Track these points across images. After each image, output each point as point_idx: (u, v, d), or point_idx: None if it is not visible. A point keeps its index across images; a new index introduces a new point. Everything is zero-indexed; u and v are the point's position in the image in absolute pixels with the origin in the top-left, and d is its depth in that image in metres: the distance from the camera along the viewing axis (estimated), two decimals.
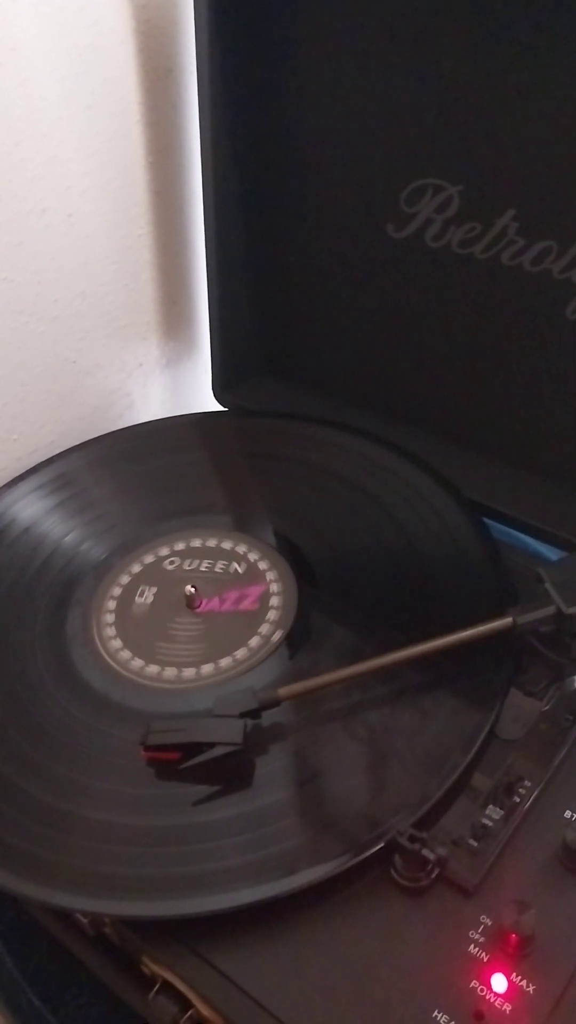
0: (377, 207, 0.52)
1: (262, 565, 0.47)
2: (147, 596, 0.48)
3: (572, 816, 0.36)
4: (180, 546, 0.50)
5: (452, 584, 0.47)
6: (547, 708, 0.40)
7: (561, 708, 0.40)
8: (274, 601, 0.45)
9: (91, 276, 0.57)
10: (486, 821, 0.36)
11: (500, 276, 0.49)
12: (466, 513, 0.50)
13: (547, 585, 0.42)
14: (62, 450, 0.58)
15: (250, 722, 0.39)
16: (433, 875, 0.34)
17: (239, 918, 0.33)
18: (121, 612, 0.47)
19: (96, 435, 0.59)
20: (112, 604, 0.47)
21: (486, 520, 0.51)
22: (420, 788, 0.37)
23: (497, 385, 0.53)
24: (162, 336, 0.65)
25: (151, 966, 0.34)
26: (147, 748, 0.38)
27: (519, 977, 0.31)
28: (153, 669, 0.44)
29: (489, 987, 0.31)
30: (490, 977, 0.31)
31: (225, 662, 0.43)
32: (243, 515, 0.53)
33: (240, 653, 0.44)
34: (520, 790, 0.37)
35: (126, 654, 0.44)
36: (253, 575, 0.47)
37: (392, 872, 0.34)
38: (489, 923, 0.33)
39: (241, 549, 0.49)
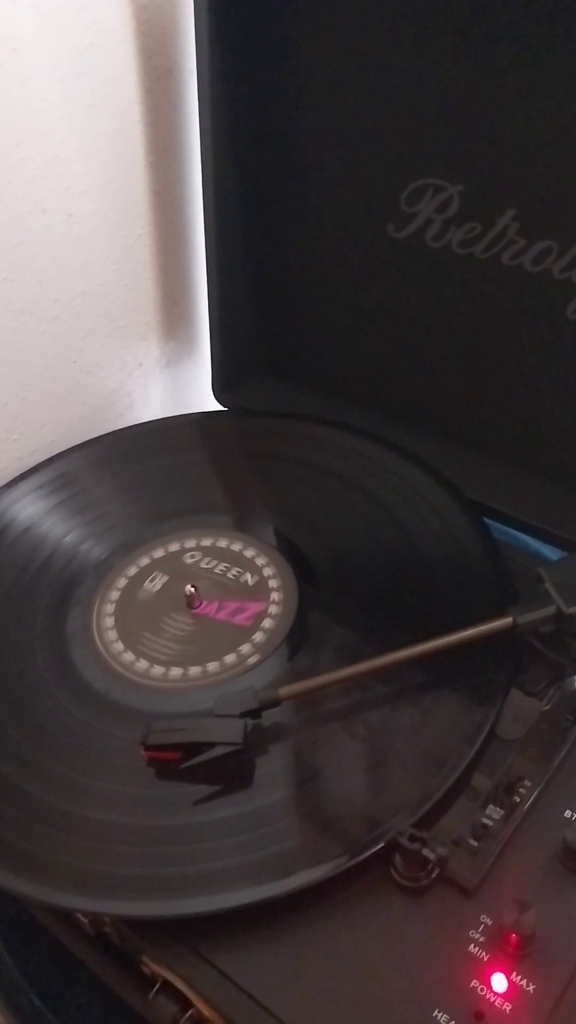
0: (377, 207, 0.52)
1: (272, 583, 0.47)
2: (157, 583, 0.48)
3: (572, 816, 0.36)
4: (207, 542, 0.50)
5: (452, 584, 0.47)
6: (547, 708, 0.40)
7: (561, 708, 0.40)
8: (267, 623, 0.45)
9: (91, 276, 0.57)
10: (486, 821, 0.36)
11: (500, 276, 0.49)
12: (466, 513, 0.50)
13: (547, 585, 0.42)
14: (62, 450, 0.58)
15: (250, 722, 0.38)
16: (433, 875, 0.34)
17: (239, 918, 0.33)
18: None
19: (96, 435, 0.59)
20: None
21: (486, 520, 0.51)
22: (420, 788, 0.36)
23: (497, 385, 0.53)
24: (162, 336, 0.65)
25: (151, 966, 0.34)
26: (147, 748, 0.38)
27: (519, 977, 0.31)
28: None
29: (489, 987, 0.31)
30: (490, 977, 0.31)
31: (212, 666, 0.43)
32: (243, 515, 0.53)
33: (229, 659, 0.44)
34: (520, 790, 0.37)
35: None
36: (259, 590, 0.47)
37: (392, 872, 0.34)
38: (489, 923, 0.33)
39: (260, 561, 0.48)
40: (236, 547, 0.50)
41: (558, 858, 0.35)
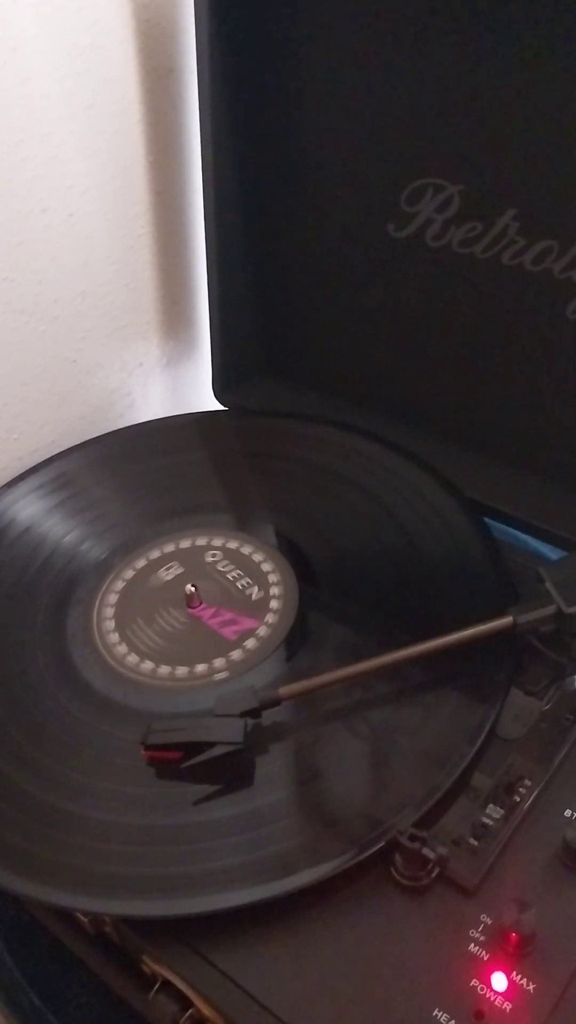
0: (377, 207, 0.52)
1: (274, 604, 0.46)
2: (171, 573, 0.48)
3: (572, 815, 0.36)
4: (233, 545, 0.50)
5: (452, 583, 0.47)
6: (547, 707, 0.40)
7: (561, 707, 0.40)
8: (250, 643, 0.44)
9: (92, 276, 0.57)
10: (486, 820, 0.36)
11: (501, 276, 0.49)
12: (467, 513, 0.50)
13: (547, 584, 0.42)
14: (62, 450, 0.58)
15: (251, 721, 0.39)
16: (433, 874, 0.34)
17: (239, 917, 0.33)
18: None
19: (97, 435, 0.59)
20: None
21: (487, 520, 0.51)
22: (420, 787, 0.36)
23: (497, 385, 0.53)
24: (163, 336, 0.65)
25: (151, 965, 0.34)
26: (147, 748, 0.38)
27: (519, 976, 0.31)
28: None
29: (489, 986, 0.31)
30: (490, 976, 0.31)
31: (181, 671, 0.43)
32: (243, 515, 0.53)
33: (200, 668, 0.43)
34: (520, 789, 0.37)
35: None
36: (258, 608, 0.46)
37: (392, 871, 0.34)
38: (489, 922, 0.33)
39: (273, 578, 0.48)
40: (257, 557, 0.49)
41: (558, 857, 0.35)
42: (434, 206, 0.50)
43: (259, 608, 0.46)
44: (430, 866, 0.34)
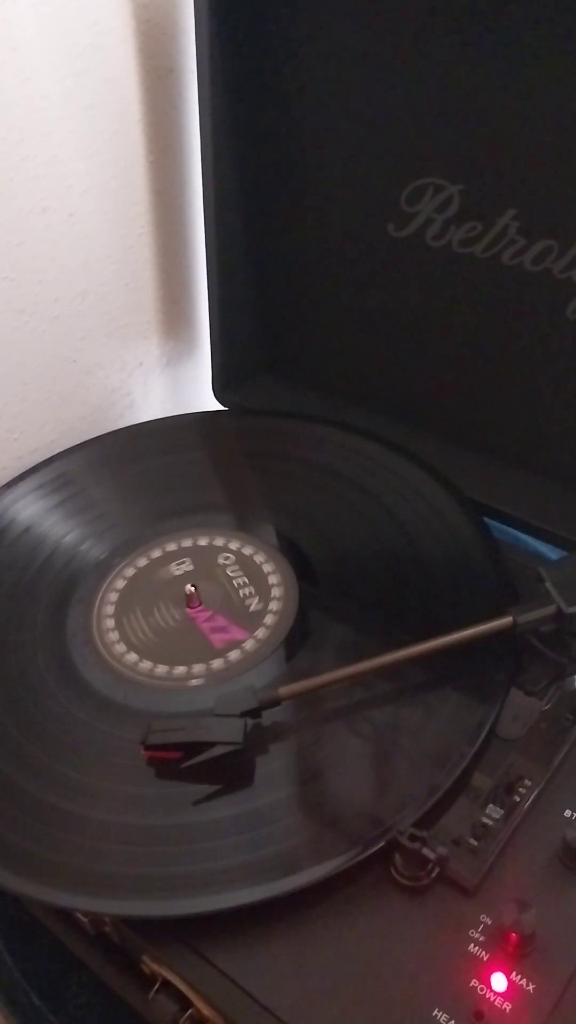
0: (378, 207, 0.52)
1: (269, 619, 0.46)
2: (181, 569, 0.49)
3: (572, 815, 0.36)
4: (247, 551, 0.50)
5: (452, 583, 0.47)
6: (547, 707, 0.40)
7: (561, 707, 0.40)
8: (233, 654, 0.44)
9: (92, 275, 0.57)
10: (486, 820, 0.36)
11: (501, 276, 0.49)
12: (466, 513, 0.50)
13: (547, 584, 0.42)
14: (62, 449, 0.58)
15: (250, 721, 0.39)
16: (433, 874, 0.34)
17: (239, 917, 0.33)
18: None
19: (97, 434, 0.59)
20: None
21: (487, 520, 0.51)
22: (420, 787, 0.37)
23: (497, 385, 0.53)
24: (163, 336, 0.65)
25: (151, 965, 0.34)
26: (147, 748, 0.38)
27: (519, 976, 0.31)
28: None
29: (489, 986, 0.31)
30: (490, 976, 0.31)
31: (161, 669, 0.43)
32: (243, 514, 0.53)
33: (178, 671, 0.43)
34: (520, 789, 0.37)
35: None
36: (253, 620, 0.46)
37: (392, 871, 0.34)
38: (489, 922, 0.33)
39: (274, 580, 0.48)
40: (258, 559, 0.49)
41: (558, 857, 0.35)
42: (434, 206, 0.50)
43: (253, 620, 0.46)
44: (430, 866, 0.34)
